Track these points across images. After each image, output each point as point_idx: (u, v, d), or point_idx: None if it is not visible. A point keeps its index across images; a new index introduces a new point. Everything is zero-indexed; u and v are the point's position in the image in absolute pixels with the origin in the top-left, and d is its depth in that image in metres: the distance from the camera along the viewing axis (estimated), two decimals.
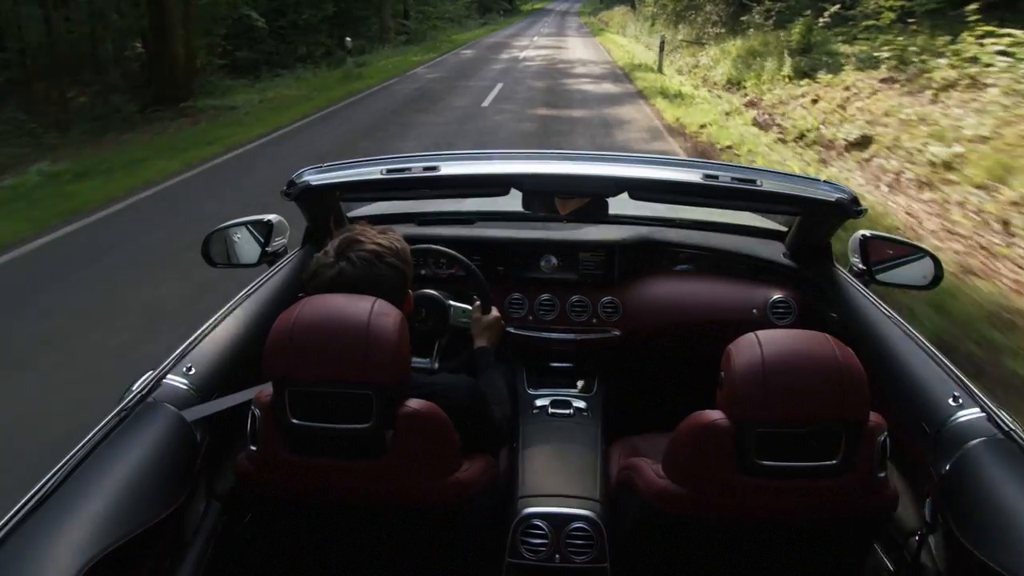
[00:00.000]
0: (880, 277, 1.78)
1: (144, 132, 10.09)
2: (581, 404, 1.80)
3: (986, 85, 6.45)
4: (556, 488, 1.49)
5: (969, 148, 5.68)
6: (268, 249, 1.88)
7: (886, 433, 1.09)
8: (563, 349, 1.94)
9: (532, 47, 23.63)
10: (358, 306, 1.09)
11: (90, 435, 1.10)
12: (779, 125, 8.81)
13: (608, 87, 13.71)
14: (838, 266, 1.80)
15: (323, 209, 1.78)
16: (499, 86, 13.32)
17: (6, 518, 0.92)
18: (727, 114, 9.76)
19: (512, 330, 1.89)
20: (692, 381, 1.88)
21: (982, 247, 4.63)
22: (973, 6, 7.39)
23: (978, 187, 5.23)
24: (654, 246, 2.03)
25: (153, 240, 5.29)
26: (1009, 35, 6.58)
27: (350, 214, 1.97)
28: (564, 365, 1.95)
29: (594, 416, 1.77)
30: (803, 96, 9.25)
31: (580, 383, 1.91)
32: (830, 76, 9.11)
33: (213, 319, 1.46)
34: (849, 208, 1.50)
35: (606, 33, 30.47)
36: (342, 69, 16.16)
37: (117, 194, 6.60)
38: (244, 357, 1.42)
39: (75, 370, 3.34)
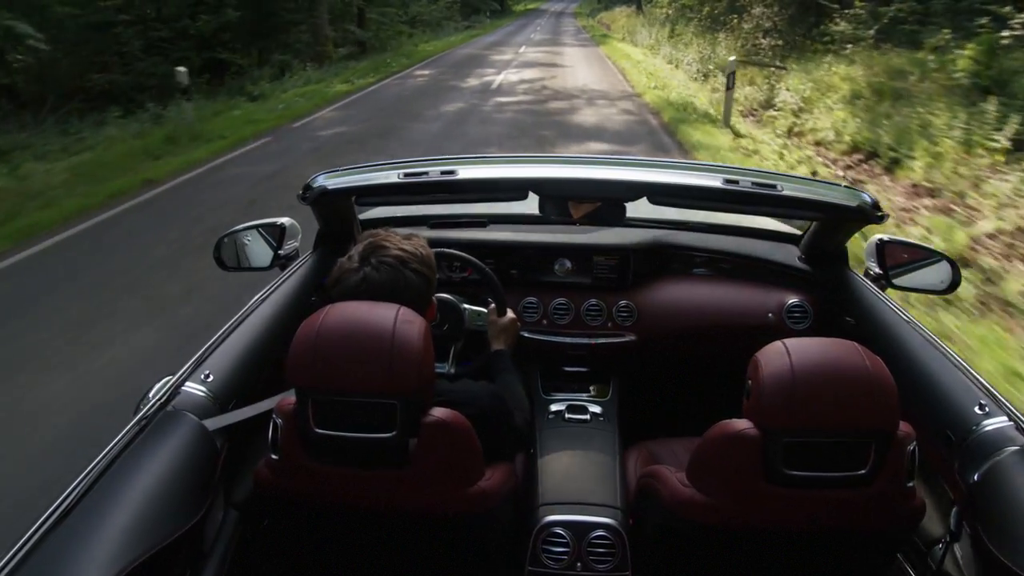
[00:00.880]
0: (896, 281, 1.78)
1: None
2: (597, 409, 1.78)
3: None
4: (576, 495, 1.48)
5: None
6: (280, 252, 1.87)
7: (915, 443, 1.08)
8: (577, 353, 1.92)
9: (516, 63, 17.43)
10: (382, 315, 1.08)
11: (112, 444, 1.09)
12: None
13: None
14: (853, 270, 1.79)
15: (337, 213, 1.77)
16: None
17: (31, 531, 0.90)
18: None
19: (526, 334, 1.87)
20: (707, 385, 1.88)
21: None
22: None
23: None
24: (668, 250, 2.02)
25: None
26: None
27: (361, 217, 1.96)
28: (578, 369, 1.94)
29: (610, 421, 1.76)
30: None
31: (593, 387, 1.90)
32: None
33: (229, 324, 1.45)
34: (871, 214, 1.49)
35: (611, 41, 24.75)
36: (168, 124, 9.17)
37: None
38: (261, 363, 1.41)
39: None
